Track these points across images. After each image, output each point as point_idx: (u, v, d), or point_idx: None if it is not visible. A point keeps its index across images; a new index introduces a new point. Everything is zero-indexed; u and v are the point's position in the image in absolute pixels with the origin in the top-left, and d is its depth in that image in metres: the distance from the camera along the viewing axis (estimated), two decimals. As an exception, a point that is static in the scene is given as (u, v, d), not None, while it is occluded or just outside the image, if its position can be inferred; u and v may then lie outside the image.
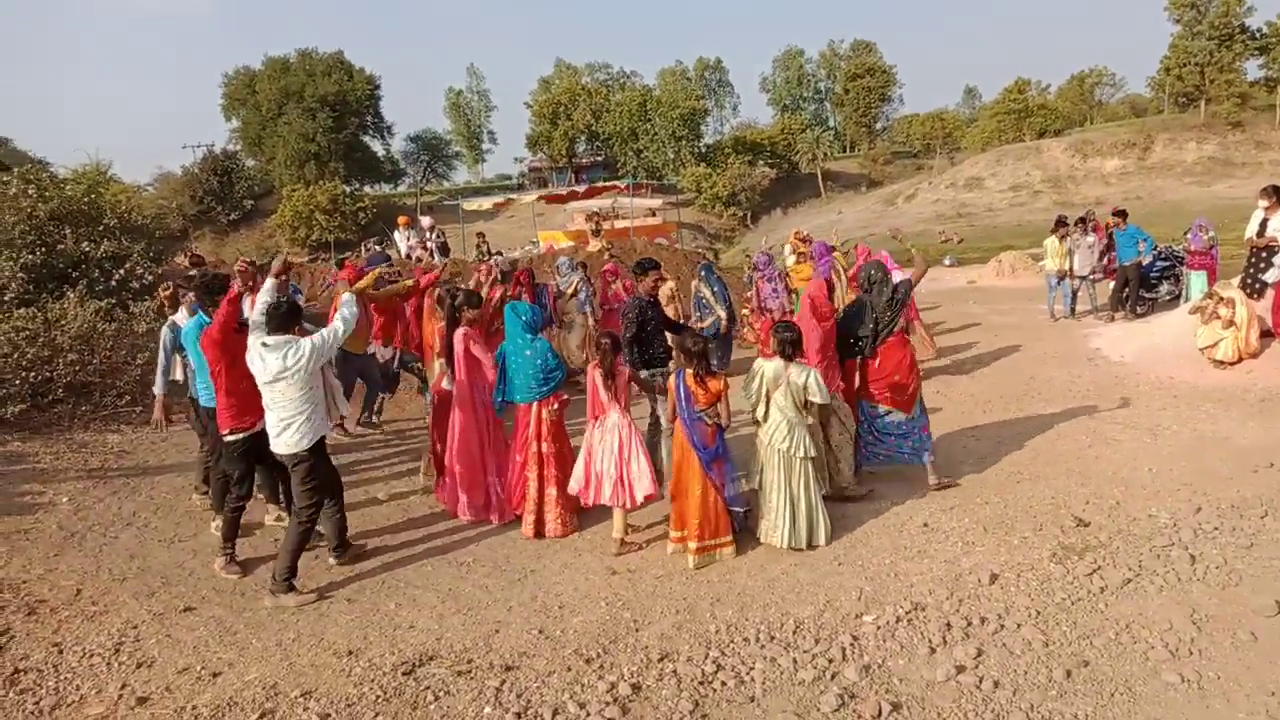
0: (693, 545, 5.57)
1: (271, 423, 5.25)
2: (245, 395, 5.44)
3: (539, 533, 6.22)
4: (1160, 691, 3.81)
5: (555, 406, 6.28)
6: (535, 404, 6.21)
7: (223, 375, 5.49)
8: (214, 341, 5.45)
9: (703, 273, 10.88)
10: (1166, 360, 9.95)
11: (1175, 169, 54.58)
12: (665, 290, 10.54)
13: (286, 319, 5.21)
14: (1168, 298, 13.52)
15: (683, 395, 5.59)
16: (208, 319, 5.82)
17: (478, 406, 6.48)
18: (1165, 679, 3.88)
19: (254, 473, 5.83)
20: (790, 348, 5.68)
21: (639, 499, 5.84)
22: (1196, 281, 12.06)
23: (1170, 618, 4.39)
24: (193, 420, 6.80)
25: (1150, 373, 9.72)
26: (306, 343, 5.13)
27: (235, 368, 5.39)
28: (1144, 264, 13.12)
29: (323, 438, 5.41)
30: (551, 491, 6.23)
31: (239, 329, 5.48)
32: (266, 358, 5.07)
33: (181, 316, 6.60)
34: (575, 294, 10.60)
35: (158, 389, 6.75)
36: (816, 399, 5.67)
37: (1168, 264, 13.69)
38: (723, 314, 10.26)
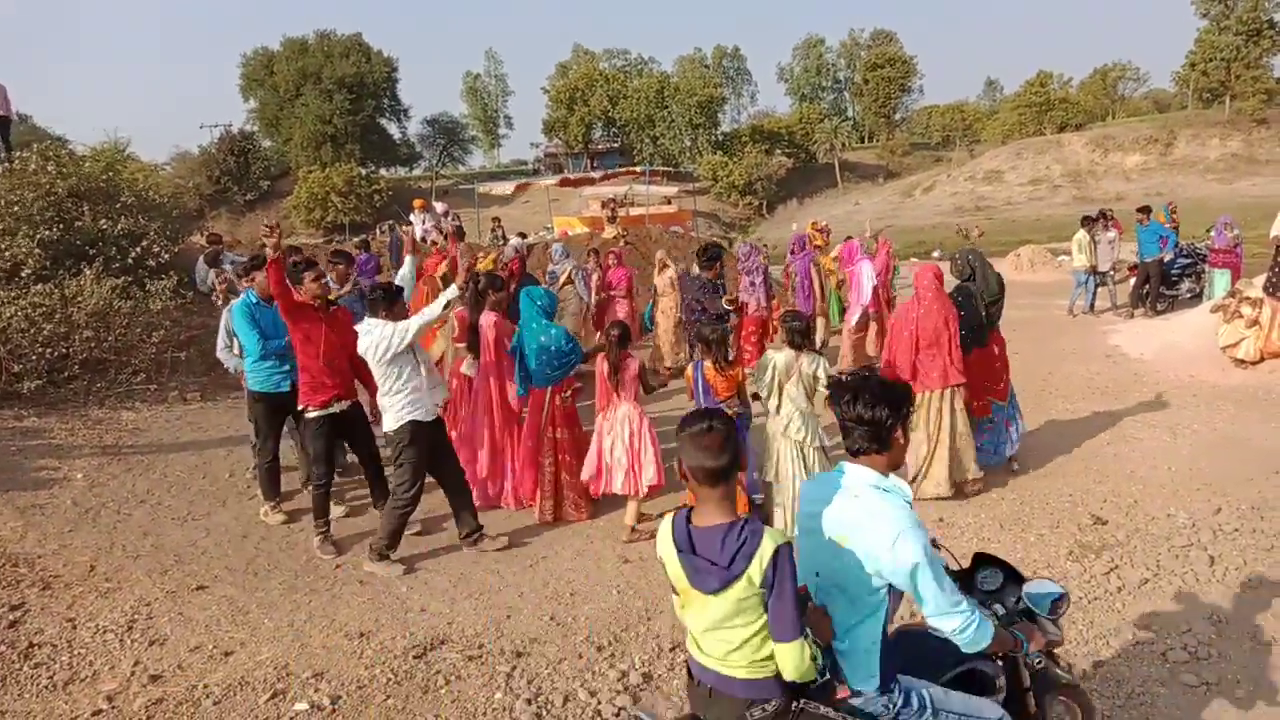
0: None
1: None
2: (318, 373, 5.49)
3: (559, 516, 6.21)
4: (1178, 694, 3.77)
5: (568, 393, 6.26)
6: (549, 390, 6.17)
7: (297, 350, 5.54)
8: (283, 313, 5.45)
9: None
10: (1187, 358, 9.85)
11: (1198, 165, 53.87)
12: (666, 277, 10.43)
13: (373, 303, 5.28)
14: (1188, 295, 13.41)
15: (701, 386, 5.55)
16: (254, 298, 6.04)
17: (502, 389, 6.47)
18: (1184, 681, 3.84)
19: (333, 453, 5.82)
20: (799, 337, 5.60)
21: (646, 487, 5.81)
22: (1220, 280, 11.96)
23: (1189, 619, 4.35)
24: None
25: (1170, 371, 9.62)
26: (380, 328, 5.14)
27: (308, 344, 5.44)
28: (1165, 261, 13.01)
29: (413, 424, 5.29)
30: (566, 476, 6.21)
31: (321, 306, 5.56)
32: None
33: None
34: (570, 281, 10.42)
35: (232, 368, 6.84)
36: (826, 388, 5.63)
37: (1189, 261, 13.59)
38: None
